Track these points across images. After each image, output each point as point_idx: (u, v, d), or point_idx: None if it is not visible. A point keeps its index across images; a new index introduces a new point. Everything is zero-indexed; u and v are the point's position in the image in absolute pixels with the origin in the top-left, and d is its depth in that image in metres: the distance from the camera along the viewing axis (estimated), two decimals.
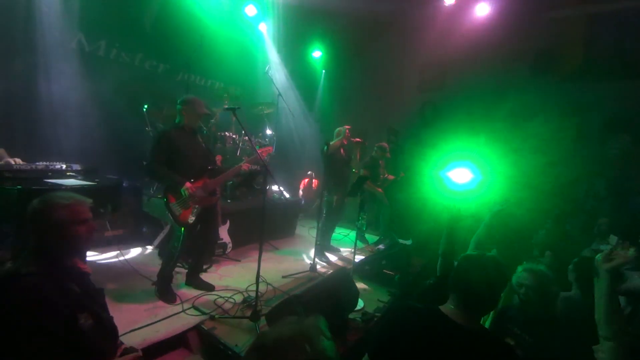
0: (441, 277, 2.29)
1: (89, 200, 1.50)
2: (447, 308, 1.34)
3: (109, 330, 1.46)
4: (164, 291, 2.96)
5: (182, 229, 2.87)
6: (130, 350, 1.61)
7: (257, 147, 3.18)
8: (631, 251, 1.34)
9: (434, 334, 1.26)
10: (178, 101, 2.98)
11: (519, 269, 2.04)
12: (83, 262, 1.53)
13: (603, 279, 1.32)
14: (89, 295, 1.43)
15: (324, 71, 8.15)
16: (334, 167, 4.40)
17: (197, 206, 2.89)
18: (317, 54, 7.71)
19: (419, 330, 1.28)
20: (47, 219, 1.37)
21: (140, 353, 1.61)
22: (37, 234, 1.39)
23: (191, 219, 2.86)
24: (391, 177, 5.58)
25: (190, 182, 2.83)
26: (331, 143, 4.31)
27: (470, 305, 1.32)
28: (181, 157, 2.86)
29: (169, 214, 2.83)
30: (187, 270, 3.32)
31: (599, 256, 1.38)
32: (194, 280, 3.25)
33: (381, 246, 5.05)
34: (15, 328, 1.18)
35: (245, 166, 3.06)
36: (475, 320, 1.34)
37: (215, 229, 3.35)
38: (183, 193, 2.78)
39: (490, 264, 1.35)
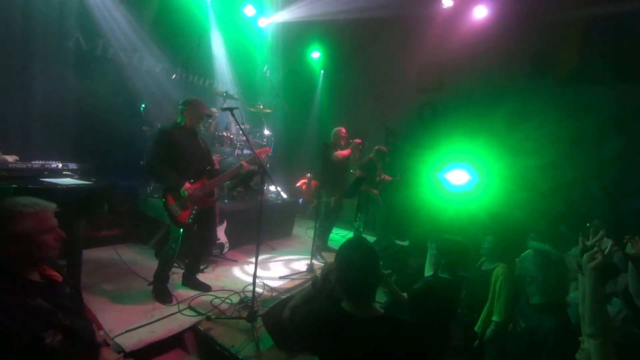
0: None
1: (54, 206, 1.40)
2: (344, 304, 1.36)
3: (84, 340, 1.35)
4: (161, 292, 2.95)
5: (181, 230, 2.87)
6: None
7: (254, 148, 3.17)
8: (607, 247, 1.37)
9: (338, 332, 1.28)
10: (180, 101, 2.98)
11: (522, 255, 2.05)
12: (53, 269, 1.43)
13: (588, 278, 1.35)
14: (59, 307, 1.31)
15: (322, 71, 8.16)
16: (332, 168, 4.40)
17: (195, 207, 2.88)
18: (315, 54, 7.71)
19: (328, 332, 1.29)
20: (10, 229, 1.24)
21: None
22: None
23: (190, 219, 2.85)
24: (388, 177, 5.58)
25: (190, 183, 2.82)
26: (337, 152, 4.31)
27: (355, 294, 1.34)
28: (181, 156, 2.85)
29: (168, 215, 2.82)
30: (183, 271, 3.31)
31: (585, 256, 1.40)
32: (190, 281, 3.24)
33: None
34: None
35: (244, 164, 3.05)
36: (368, 307, 1.35)
37: (213, 230, 3.34)
38: (182, 194, 2.78)
39: (354, 248, 1.40)
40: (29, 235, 1.27)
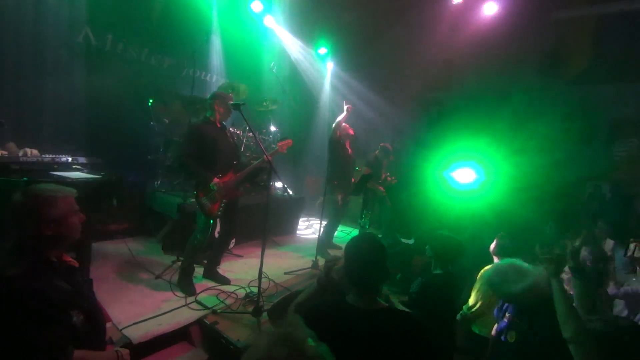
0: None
1: (74, 191, 1.48)
2: (349, 297, 1.40)
3: (98, 325, 1.43)
4: (185, 284, 3.04)
5: (211, 221, 2.99)
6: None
7: (273, 142, 3.18)
8: (557, 251, 1.38)
9: (342, 324, 1.30)
10: (209, 97, 3.15)
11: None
12: (69, 256, 1.50)
13: (554, 282, 1.36)
14: (77, 291, 1.39)
15: (329, 68, 8.11)
16: (338, 164, 4.40)
17: (224, 200, 3.00)
18: (322, 50, 7.66)
19: (333, 324, 1.31)
20: (47, 213, 1.31)
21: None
22: (27, 230, 1.31)
23: (219, 211, 2.99)
24: (389, 178, 5.56)
25: (218, 177, 2.92)
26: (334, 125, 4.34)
27: (362, 286, 1.38)
28: (211, 151, 2.97)
29: (199, 208, 2.95)
30: (205, 263, 3.40)
31: (543, 250, 1.41)
32: (212, 274, 3.33)
33: None
34: (14, 329, 1.15)
35: (268, 157, 3.06)
36: (374, 300, 1.39)
37: (237, 222, 3.42)
38: (212, 187, 2.88)
39: (364, 243, 1.45)
40: (62, 217, 1.36)
